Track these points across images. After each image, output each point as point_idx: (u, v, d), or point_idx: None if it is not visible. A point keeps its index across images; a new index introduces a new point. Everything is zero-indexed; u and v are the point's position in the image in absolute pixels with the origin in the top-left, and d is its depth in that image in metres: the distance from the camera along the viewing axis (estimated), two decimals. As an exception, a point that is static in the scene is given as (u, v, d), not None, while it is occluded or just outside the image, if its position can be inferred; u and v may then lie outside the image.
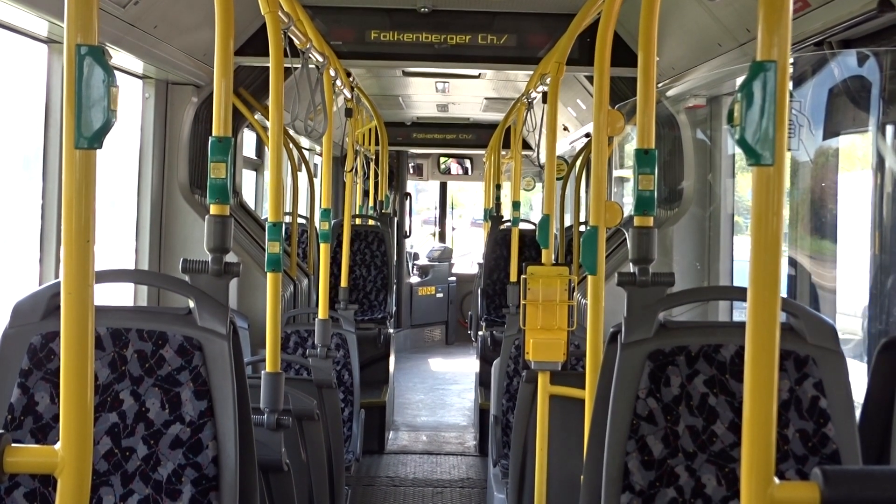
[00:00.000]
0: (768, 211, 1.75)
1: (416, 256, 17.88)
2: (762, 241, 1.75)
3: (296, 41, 4.79)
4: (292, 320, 7.75)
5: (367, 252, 11.24)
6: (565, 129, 12.53)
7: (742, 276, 7.09)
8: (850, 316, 5.54)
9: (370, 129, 12.63)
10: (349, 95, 7.47)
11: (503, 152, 12.23)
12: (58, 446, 1.94)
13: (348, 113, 7.85)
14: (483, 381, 9.73)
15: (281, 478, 4.12)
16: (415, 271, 17.23)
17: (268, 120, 4.61)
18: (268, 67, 4.29)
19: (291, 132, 9.00)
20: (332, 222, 6.71)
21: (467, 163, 18.25)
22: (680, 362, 2.94)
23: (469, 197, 34.09)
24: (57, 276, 5.17)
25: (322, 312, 6.00)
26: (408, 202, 16.99)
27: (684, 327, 3.05)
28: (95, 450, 2.95)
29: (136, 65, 6.38)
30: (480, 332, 10.64)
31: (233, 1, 3.45)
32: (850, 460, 2.88)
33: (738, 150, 1.73)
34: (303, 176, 10.39)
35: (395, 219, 15.08)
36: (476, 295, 12.43)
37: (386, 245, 11.32)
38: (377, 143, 12.39)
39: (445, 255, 17.85)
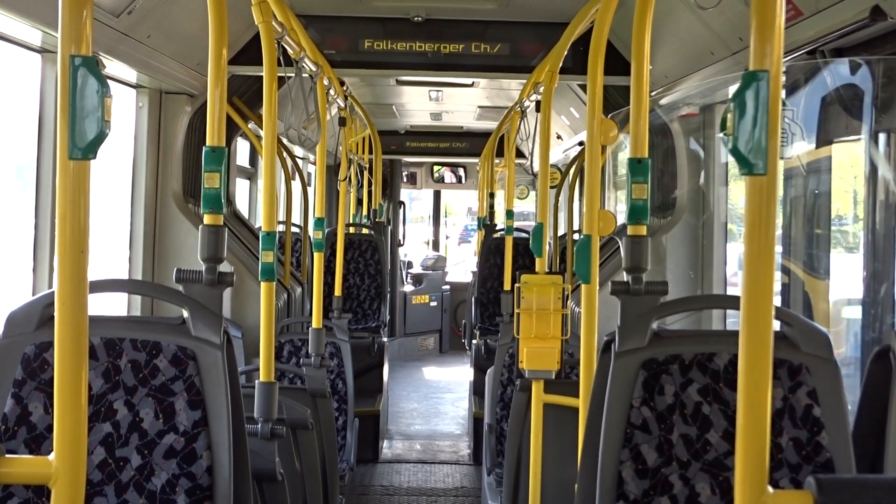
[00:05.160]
0: (761, 220, 1.75)
1: (409, 265, 17.87)
2: (755, 249, 1.76)
3: (289, 50, 4.80)
4: (286, 329, 7.75)
5: (361, 261, 11.23)
6: (559, 137, 12.55)
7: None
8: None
9: (364, 138, 12.62)
10: (343, 104, 7.48)
11: (497, 161, 12.23)
12: (51, 457, 1.94)
13: (342, 122, 7.86)
14: (477, 389, 9.72)
15: (275, 487, 4.11)
16: (408, 280, 17.22)
17: (261, 129, 4.61)
18: (261, 76, 4.29)
19: (285, 141, 9.00)
20: (326, 231, 6.71)
21: (461, 171, 18.25)
22: (674, 371, 2.95)
23: (462, 205, 34.10)
24: (51, 286, 5.16)
25: (316, 321, 6.00)
26: (401, 211, 16.99)
27: (678, 336, 3.06)
28: (89, 460, 2.94)
29: (130, 74, 6.38)
30: (474, 341, 10.64)
31: (226, 10, 3.45)
32: (844, 469, 2.88)
33: (732, 159, 1.73)
34: (296, 185, 10.39)
35: (389, 227, 15.07)
36: (470, 303, 12.42)
37: (379, 254, 11.31)
38: (371, 152, 12.38)
39: (439, 264, 17.84)
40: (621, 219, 5.05)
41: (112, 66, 5.73)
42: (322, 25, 7.47)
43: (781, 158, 5.14)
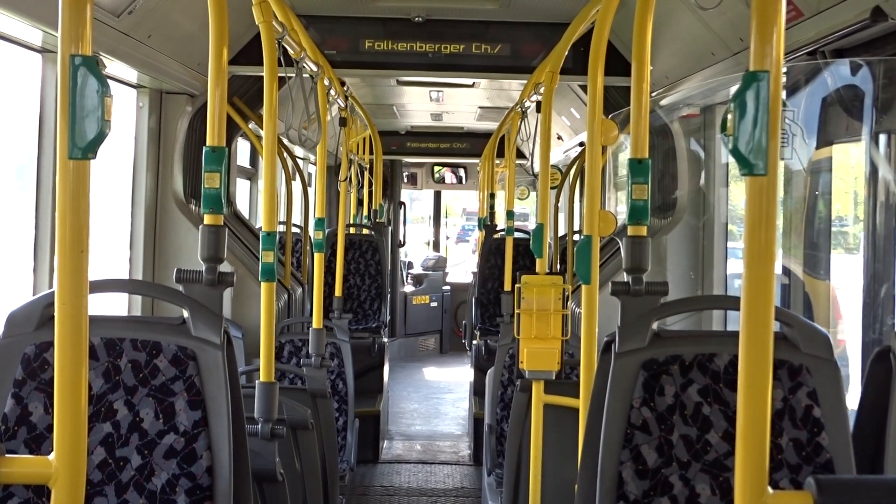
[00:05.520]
0: (761, 220, 1.75)
1: (410, 265, 17.87)
2: (755, 250, 1.76)
3: (290, 50, 4.79)
4: (286, 330, 7.74)
5: (361, 261, 11.23)
6: (559, 138, 12.55)
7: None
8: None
9: (364, 139, 12.62)
10: (343, 104, 7.48)
11: (497, 161, 12.23)
12: (51, 457, 1.94)
13: (342, 122, 7.86)
14: (477, 390, 9.72)
15: (275, 487, 4.11)
16: (409, 280, 17.22)
17: (262, 129, 4.61)
18: (262, 77, 4.29)
19: (286, 141, 9.00)
20: (326, 231, 6.71)
21: (461, 172, 18.25)
22: (674, 371, 2.94)
23: (458, 206, 34.22)
24: (51, 286, 5.16)
25: (316, 322, 5.99)
26: (402, 211, 16.99)
27: (678, 336, 3.05)
28: (89, 460, 2.94)
29: (131, 74, 6.38)
30: (475, 341, 10.64)
31: (227, 10, 3.45)
32: (844, 469, 2.88)
33: (732, 160, 1.73)
34: (297, 185, 10.39)
35: (390, 228, 15.07)
36: (470, 304, 12.42)
37: (380, 254, 11.31)
38: (371, 153, 12.38)
39: (440, 265, 17.84)
40: (622, 219, 5.05)
41: (112, 66, 5.73)
42: (323, 26, 7.47)
43: (782, 159, 5.14)
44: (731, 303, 3.76)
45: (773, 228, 1.76)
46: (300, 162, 12.20)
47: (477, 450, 9.66)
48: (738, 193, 7.16)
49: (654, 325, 3.03)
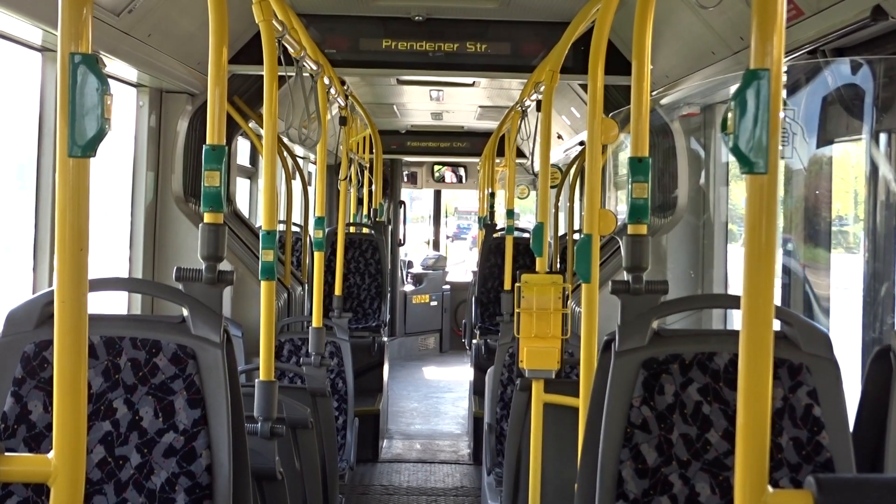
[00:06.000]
0: (762, 219, 1.75)
1: (410, 264, 17.86)
2: (756, 248, 1.76)
3: (290, 49, 4.79)
4: (286, 328, 7.74)
5: (361, 260, 11.23)
6: (559, 137, 12.54)
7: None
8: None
9: (364, 138, 12.61)
10: (343, 104, 7.47)
11: (497, 160, 12.23)
12: (51, 455, 1.94)
13: (342, 121, 7.86)
14: (477, 389, 9.72)
15: (275, 486, 4.11)
16: (409, 279, 17.21)
17: (262, 128, 4.61)
18: (262, 76, 4.29)
19: (286, 140, 9.00)
20: (326, 230, 6.71)
21: (461, 171, 18.25)
22: (674, 370, 2.94)
23: (461, 204, 34.36)
24: (51, 285, 5.16)
25: (316, 321, 5.99)
26: (402, 210, 16.98)
27: (678, 335, 3.05)
28: (89, 458, 2.94)
29: (131, 73, 6.38)
30: (474, 341, 10.63)
31: (227, 9, 3.44)
32: (844, 468, 2.88)
33: (732, 158, 1.74)
34: (297, 184, 10.39)
35: (390, 227, 15.07)
36: (470, 303, 12.42)
37: (380, 253, 11.31)
38: (371, 152, 12.38)
39: (440, 264, 17.84)
40: (622, 218, 5.05)
41: (112, 65, 5.73)
42: (323, 25, 7.46)
43: (782, 158, 5.13)
44: (731, 301, 3.76)
45: (773, 227, 1.75)
46: (300, 161, 12.20)
47: (477, 449, 9.66)
48: (738, 192, 7.16)
49: (654, 324, 3.03)
